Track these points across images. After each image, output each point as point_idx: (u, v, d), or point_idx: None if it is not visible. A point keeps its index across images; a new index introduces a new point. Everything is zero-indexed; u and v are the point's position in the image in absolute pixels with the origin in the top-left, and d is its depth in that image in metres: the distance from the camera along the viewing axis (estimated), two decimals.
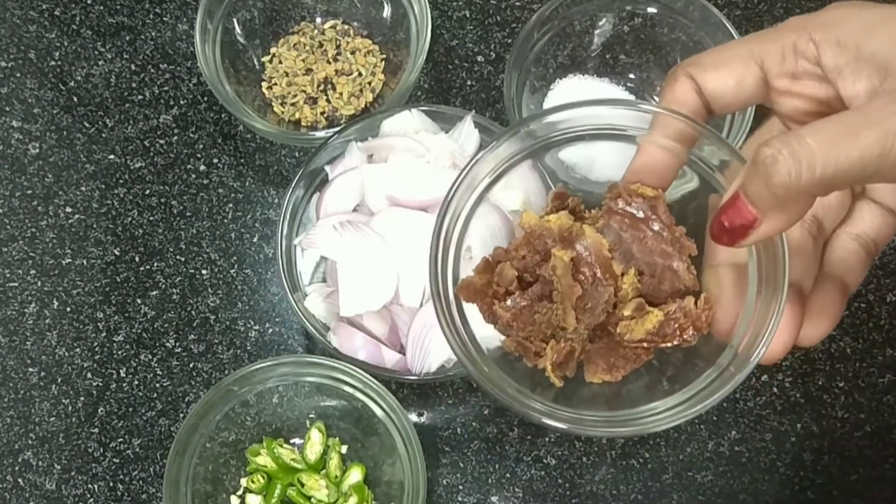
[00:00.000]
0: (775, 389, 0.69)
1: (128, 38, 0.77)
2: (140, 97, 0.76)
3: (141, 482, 0.68)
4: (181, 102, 0.76)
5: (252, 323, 0.71)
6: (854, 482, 0.68)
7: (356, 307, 0.63)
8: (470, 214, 0.45)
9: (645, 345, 0.43)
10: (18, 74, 0.77)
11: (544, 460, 0.68)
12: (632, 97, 0.73)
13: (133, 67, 0.77)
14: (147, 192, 0.74)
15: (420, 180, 0.65)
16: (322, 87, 0.75)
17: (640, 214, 0.43)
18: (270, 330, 0.71)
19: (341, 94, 0.75)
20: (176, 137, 0.75)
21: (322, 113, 0.74)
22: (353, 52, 0.76)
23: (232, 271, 0.72)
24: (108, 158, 0.75)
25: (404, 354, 0.63)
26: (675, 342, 0.42)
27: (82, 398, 0.69)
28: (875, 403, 0.69)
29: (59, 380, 0.70)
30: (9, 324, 0.71)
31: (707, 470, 0.68)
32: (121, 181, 0.74)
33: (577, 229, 0.43)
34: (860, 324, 0.71)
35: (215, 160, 0.75)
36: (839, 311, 0.42)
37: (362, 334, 0.63)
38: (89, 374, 0.70)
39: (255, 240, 0.73)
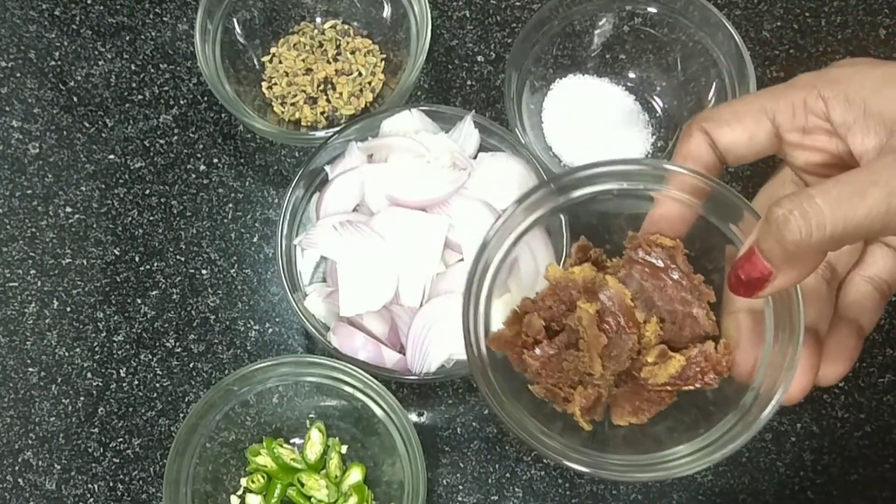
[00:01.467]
0: None
1: (128, 38, 0.77)
2: (140, 97, 0.76)
3: (141, 482, 0.68)
4: (181, 102, 0.76)
5: (252, 323, 0.71)
6: (854, 482, 0.68)
7: (356, 307, 0.63)
8: (498, 268, 0.47)
9: (668, 388, 0.44)
10: (18, 74, 0.77)
11: (544, 460, 0.68)
12: (632, 97, 0.73)
13: (133, 67, 0.77)
14: (147, 192, 0.74)
15: (420, 180, 0.64)
16: (322, 87, 0.75)
17: (660, 264, 0.45)
18: (270, 330, 0.71)
19: (341, 93, 0.75)
20: (176, 137, 0.75)
21: (322, 113, 0.74)
22: (353, 52, 0.76)
23: (232, 271, 0.72)
24: (108, 158, 0.75)
25: (404, 354, 0.63)
26: (697, 385, 0.44)
27: (82, 398, 0.69)
28: (875, 403, 0.69)
29: (59, 380, 0.70)
30: (9, 324, 0.71)
31: (707, 470, 0.68)
32: (121, 181, 0.74)
33: (600, 280, 0.45)
34: None
35: (215, 160, 0.75)
36: (855, 352, 0.43)
37: (362, 334, 0.63)
38: (89, 374, 0.70)
39: (255, 240, 0.73)
